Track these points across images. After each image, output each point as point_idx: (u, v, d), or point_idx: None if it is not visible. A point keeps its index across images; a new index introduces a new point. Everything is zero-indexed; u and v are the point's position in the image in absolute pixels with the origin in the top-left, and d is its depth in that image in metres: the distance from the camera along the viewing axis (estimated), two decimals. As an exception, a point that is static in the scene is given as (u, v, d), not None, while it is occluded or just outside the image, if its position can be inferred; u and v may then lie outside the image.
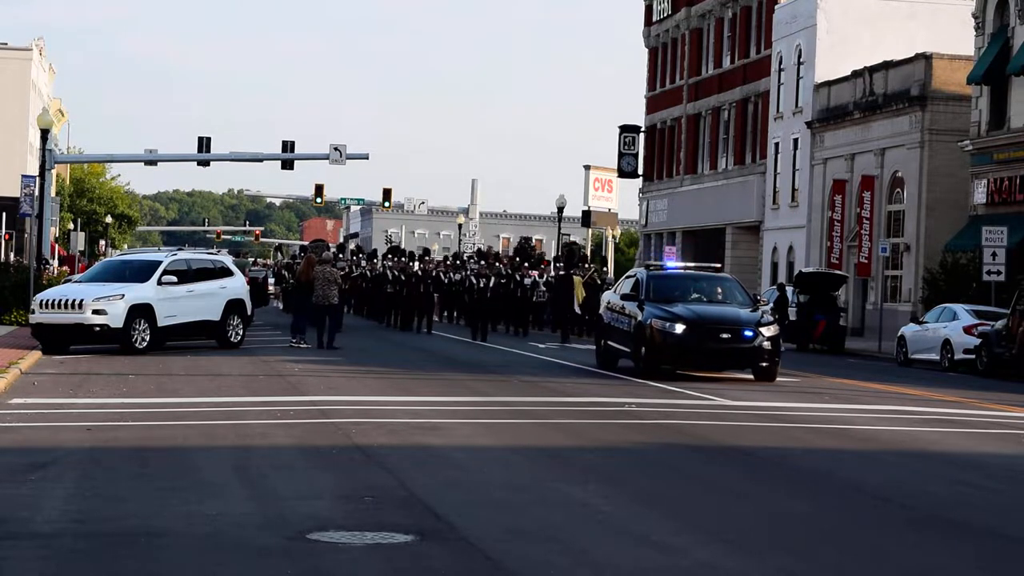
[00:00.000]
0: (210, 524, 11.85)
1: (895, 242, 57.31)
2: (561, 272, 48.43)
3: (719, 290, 30.83)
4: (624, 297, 30.86)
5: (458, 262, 58.81)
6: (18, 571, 10.18)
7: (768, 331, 28.65)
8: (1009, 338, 36.40)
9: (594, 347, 33.29)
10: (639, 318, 29.22)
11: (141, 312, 32.90)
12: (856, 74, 61.52)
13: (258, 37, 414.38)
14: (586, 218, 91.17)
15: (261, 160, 77.42)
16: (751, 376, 29.22)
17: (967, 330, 39.46)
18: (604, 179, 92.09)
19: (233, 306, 35.78)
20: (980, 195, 52.45)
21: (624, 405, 23.22)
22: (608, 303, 32.30)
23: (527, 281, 49.89)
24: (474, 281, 46.98)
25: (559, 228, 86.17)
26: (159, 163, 79.83)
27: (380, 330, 49.51)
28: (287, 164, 75.28)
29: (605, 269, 51.27)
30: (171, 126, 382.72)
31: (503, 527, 12.04)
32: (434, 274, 50.70)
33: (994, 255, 44.50)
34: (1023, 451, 19.36)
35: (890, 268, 57.35)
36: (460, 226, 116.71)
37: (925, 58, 56.92)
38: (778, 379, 29.20)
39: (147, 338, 32.95)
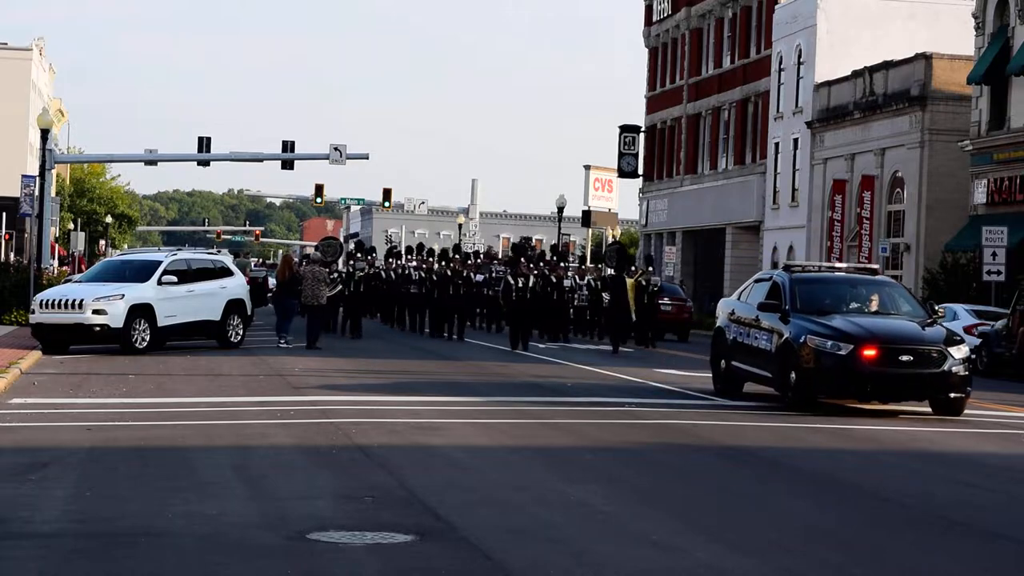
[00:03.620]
0: (210, 524, 11.85)
1: (895, 242, 57.33)
2: (612, 273, 44.04)
3: (881, 298, 24.86)
4: (761, 307, 24.83)
5: (479, 261, 54.71)
6: (18, 571, 10.17)
7: (959, 352, 23.08)
8: (1009, 338, 36.43)
9: (711, 367, 27.44)
10: (785, 334, 23.54)
11: (141, 312, 32.89)
12: (856, 74, 61.50)
13: (259, 37, 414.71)
14: (586, 218, 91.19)
15: (261, 160, 77.34)
16: (928, 408, 23.71)
17: (967, 330, 39.37)
18: (604, 179, 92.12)
19: (233, 306, 35.78)
20: (980, 195, 52.45)
21: (624, 405, 23.23)
22: (733, 313, 26.53)
23: (565, 283, 45.90)
24: (511, 282, 41.74)
25: (559, 228, 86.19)
26: (159, 163, 79.71)
27: (397, 335, 46.87)
28: (287, 164, 75.22)
29: (651, 269, 48.11)
30: (171, 126, 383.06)
31: (503, 527, 12.04)
32: (465, 275, 45.63)
33: (994, 255, 44.51)
34: (1017, 450, 19.38)
35: (890, 268, 57.27)
36: (460, 226, 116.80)
37: (925, 58, 56.90)
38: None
39: (147, 338, 32.94)
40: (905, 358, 22.69)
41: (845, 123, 62.18)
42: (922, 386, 23.01)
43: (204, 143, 73.45)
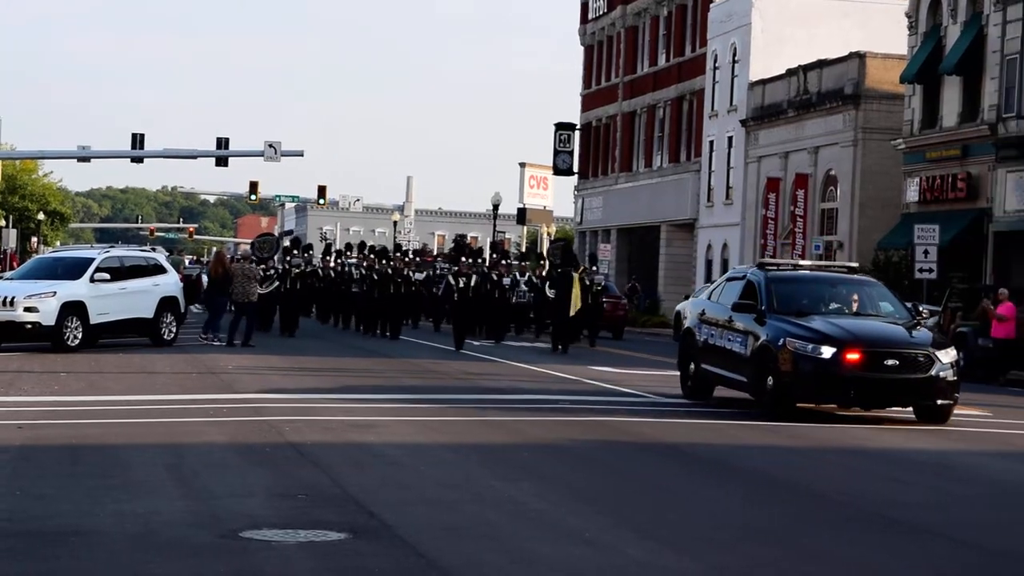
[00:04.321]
0: (141, 523, 11.74)
1: (828, 240, 57.71)
2: (559, 270, 42.49)
3: (862, 299, 23.56)
4: (735, 307, 23.39)
5: (417, 259, 53.88)
6: (-55, 571, 10.06)
7: (946, 356, 21.91)
8: (941, 335, 36.67)
9: (679, 369, 25.99)
10: (762, 337, 22.22)
11: (73, 310, 32.62)
12: (790, 73, 61.84)
13: (193, 33, 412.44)
14: (521, 215, 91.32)
15: (195, 157, 76.86)
16: (912, 414, 22.58)
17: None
18: (539, 176, 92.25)
19: (166, 304, 35.55)
20: (912, 193, 52.87)
21: (558, 402, 23.23)
22: (703, 314, 25.02)
23: (505, 281, 44.94)
24: (452, 281, 41.19)
25: (494, 225, 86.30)
26: (92, 160, 79.08)
27: (333, 333, 46.73)
28: (221, 161, 74.73)
29: (595, 268, 47.60)
30: (104, 123, 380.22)
31: (437, 525, 12.01)
32: (405, 273, 45.15)
33: (926, 253, 44.81)
34: (952, 446, 19.51)
35: (823, 266, 57.58)
36: (395, 223, 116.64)
37: (859, 57, 57.29)
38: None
39: (79, 336, 32.67)
40: (890, 362, 21.45)
41: (779, 121, 62.52)
42: (908, 392, 21.82)
43: (138, 140, 72.89)
